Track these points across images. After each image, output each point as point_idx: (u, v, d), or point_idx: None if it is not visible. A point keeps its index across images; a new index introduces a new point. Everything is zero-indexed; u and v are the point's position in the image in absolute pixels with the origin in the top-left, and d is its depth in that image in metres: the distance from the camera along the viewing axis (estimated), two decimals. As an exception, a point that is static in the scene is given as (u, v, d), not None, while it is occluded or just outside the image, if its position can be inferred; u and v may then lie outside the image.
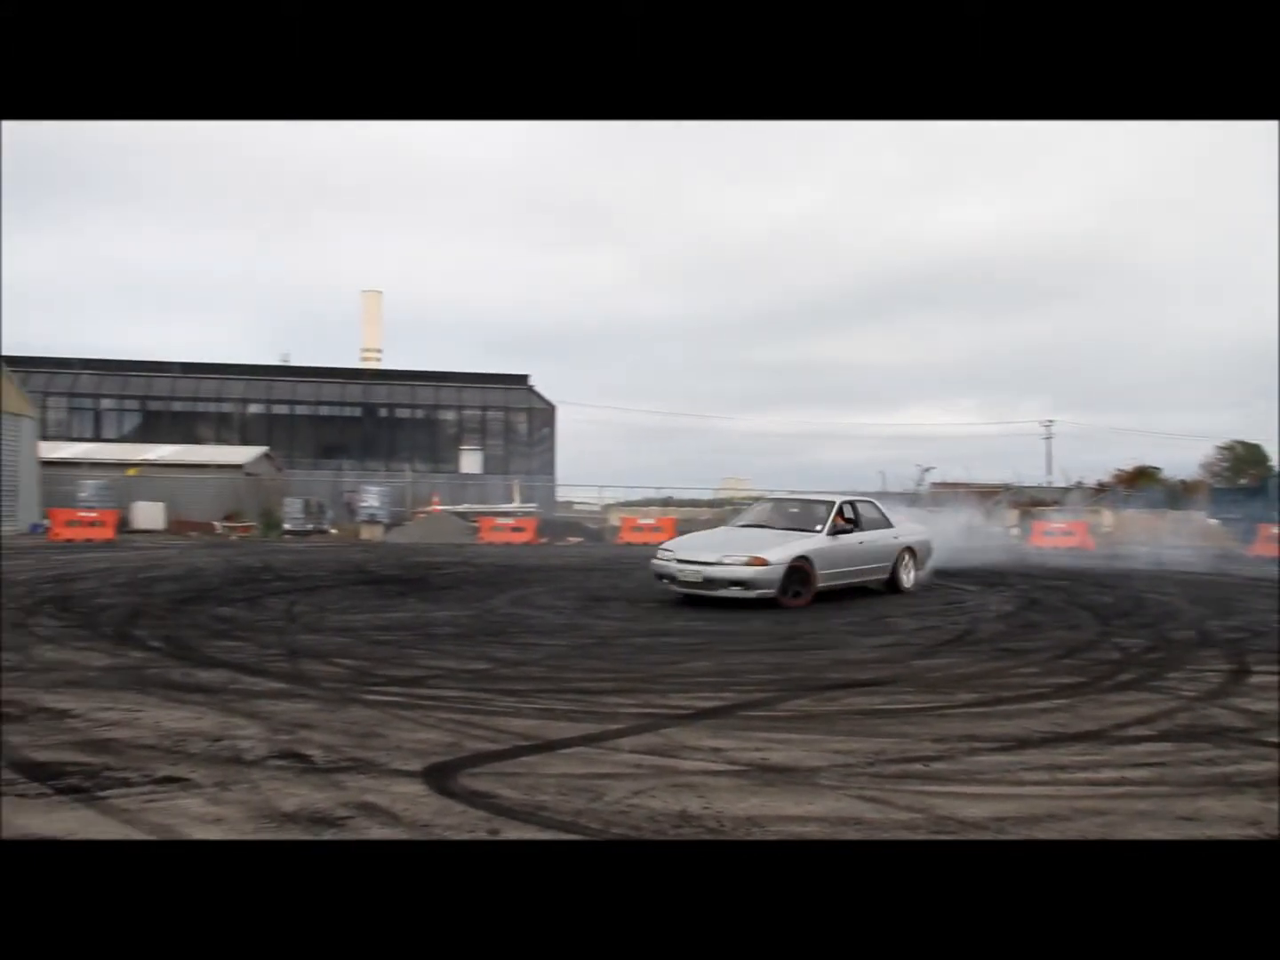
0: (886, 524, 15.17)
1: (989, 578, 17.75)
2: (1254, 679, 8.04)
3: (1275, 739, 6.00)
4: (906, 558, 15.21)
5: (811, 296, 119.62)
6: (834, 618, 12.10)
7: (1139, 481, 57.59)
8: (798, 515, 14.70)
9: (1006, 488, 46.30)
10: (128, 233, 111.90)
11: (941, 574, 17.03)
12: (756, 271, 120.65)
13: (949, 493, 45.42)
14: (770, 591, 12.82)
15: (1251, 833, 4.36)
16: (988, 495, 44.24)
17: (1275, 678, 8.04)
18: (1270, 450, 58.07)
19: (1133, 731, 6.18)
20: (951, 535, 19.61)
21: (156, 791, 4.65)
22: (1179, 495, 50.62)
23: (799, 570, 13.15)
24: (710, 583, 12.95)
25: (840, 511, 14.38)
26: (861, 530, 14.50)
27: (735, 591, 12.81)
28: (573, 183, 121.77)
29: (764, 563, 12.84)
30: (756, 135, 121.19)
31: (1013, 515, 39.54)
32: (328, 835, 4.17)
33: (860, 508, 15.00)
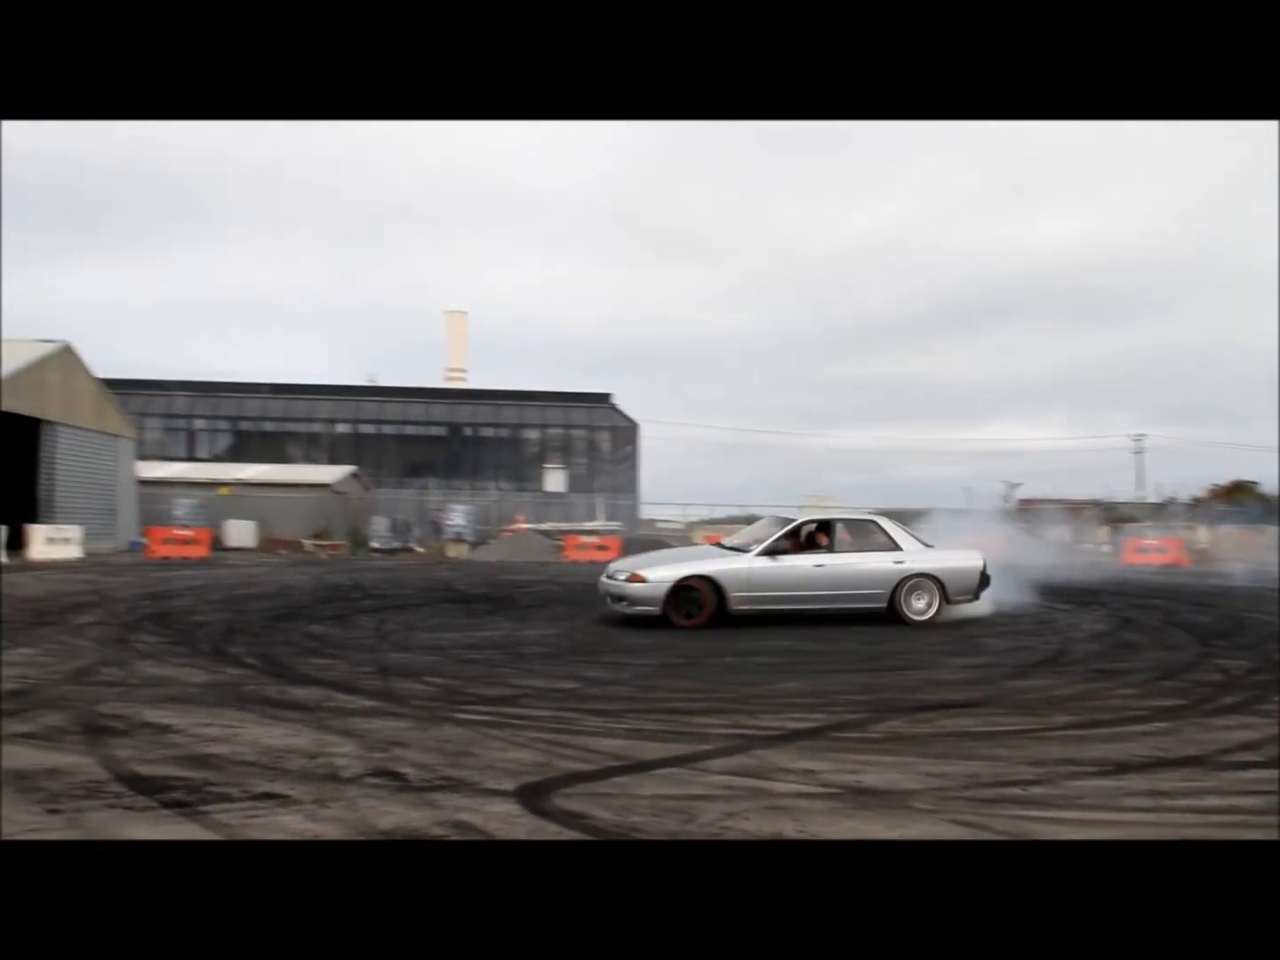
0: (892, 546, 13.58)
1: (1080, 596, 17.41)
2: (1364, 703, 7.77)
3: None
4: (920, 585, 13.44)
5: (895, 310, 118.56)
6: (922, 638, 11.95)
7: (1235, 496, 56.20)
8: (757, 533, 14.26)
9: (1096, 503, 45.40)
10: (221, 257, 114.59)
11: (1030, 593, 16.72)
12: (839, 286, 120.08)
13: (1036, 509, 44.72)
14: (652, 609, 12.67)
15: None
16: (1077, 511, 43.47)
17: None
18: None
19: (1239, 757, 6.01)
20: (1038, 553, 19.19)
21: (257, 807, 4.73)
22: (1278, 510, 49.27)
23: (688, 590, 12.73)
24: (612, 598, 13.17)
25: (795, 533, 13.55)
26: (843, 552, 13.43)
27: (623, 606, 12.93)
28: (655, 200, 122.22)
29: (642, 580, 12.79)
30: (838, 149, 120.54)
31: (1103, 531, 38.76)
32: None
33: (853, 527, 14.01)
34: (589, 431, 52.65)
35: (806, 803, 4.98)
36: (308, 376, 64.61)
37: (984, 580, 13.86)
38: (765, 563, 13.02)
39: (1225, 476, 60.68)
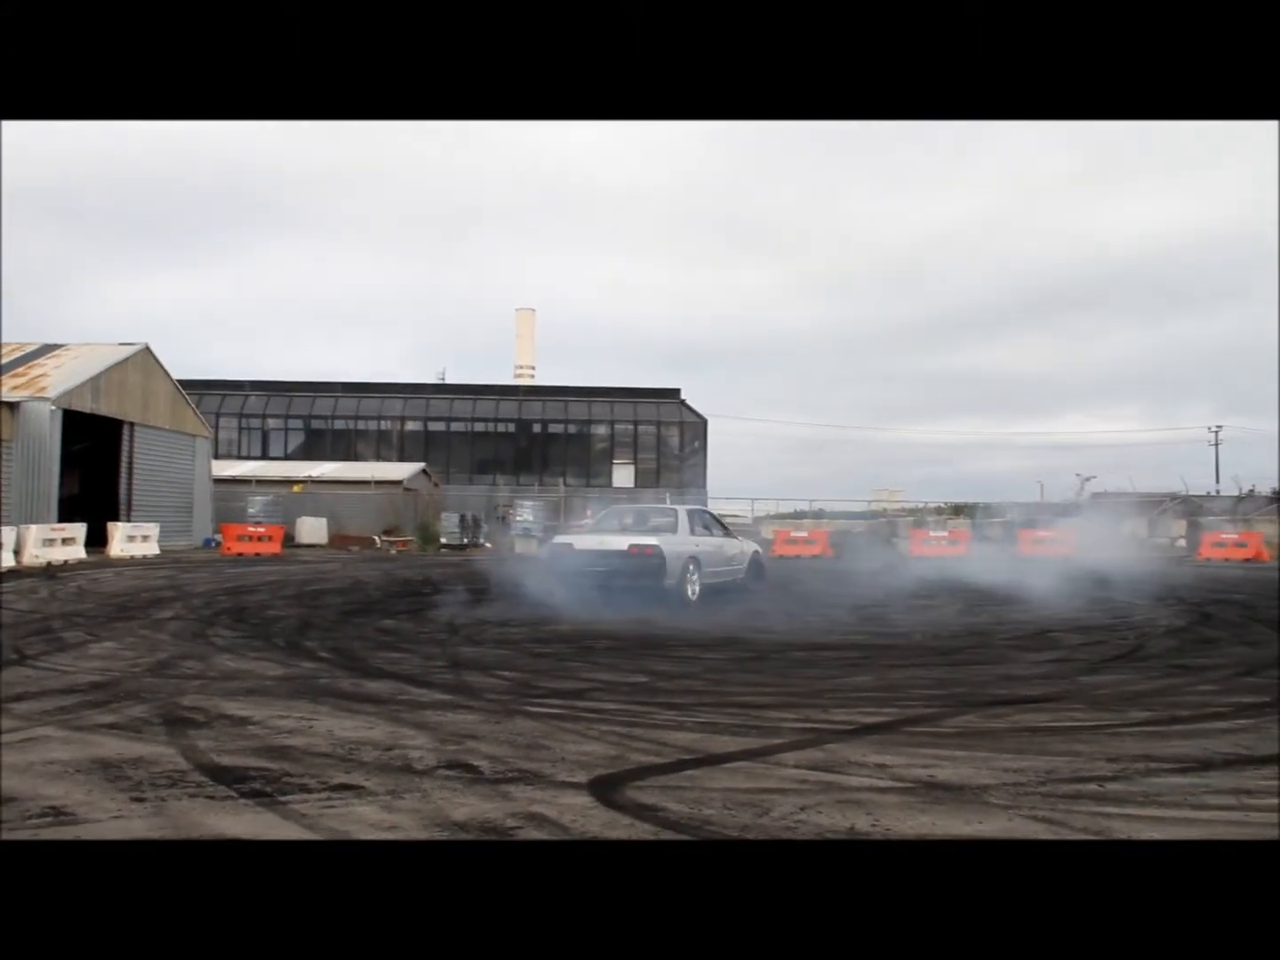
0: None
1: (1156, 591, 17.11)
2: None
3: None
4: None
5: (966, 303, 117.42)
6: (996, 633, 11.82)
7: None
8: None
9: (1172, 497, 44.56)
10: (293, 259, 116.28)
11: (1105, 586, 16.49)
12: (909, 279, 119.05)
13: (1110, 502, 44.01)
14: None
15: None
16: (1153, 505, 42.71)
17: None
18: None
19: (1324, 754, 5.86)
20: (1111, 546, 18.97)
21: (333, 798, 4.80)
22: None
23: None
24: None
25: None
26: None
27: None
28: (725, 195, 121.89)
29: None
30: (911, 140, 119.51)
31: (1180, 525, 38.03)
32: (327, 836, 4.25)
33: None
34: (657, 427, 52.64)
35: (879, 797, 4.94)
36: (378, 375, 65.57)
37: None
38: None
39: (1307, 469, 59.23)
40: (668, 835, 4.27)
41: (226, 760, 5.46)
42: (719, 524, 17.72)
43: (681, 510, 16.08)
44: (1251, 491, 51.21)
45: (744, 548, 17.36)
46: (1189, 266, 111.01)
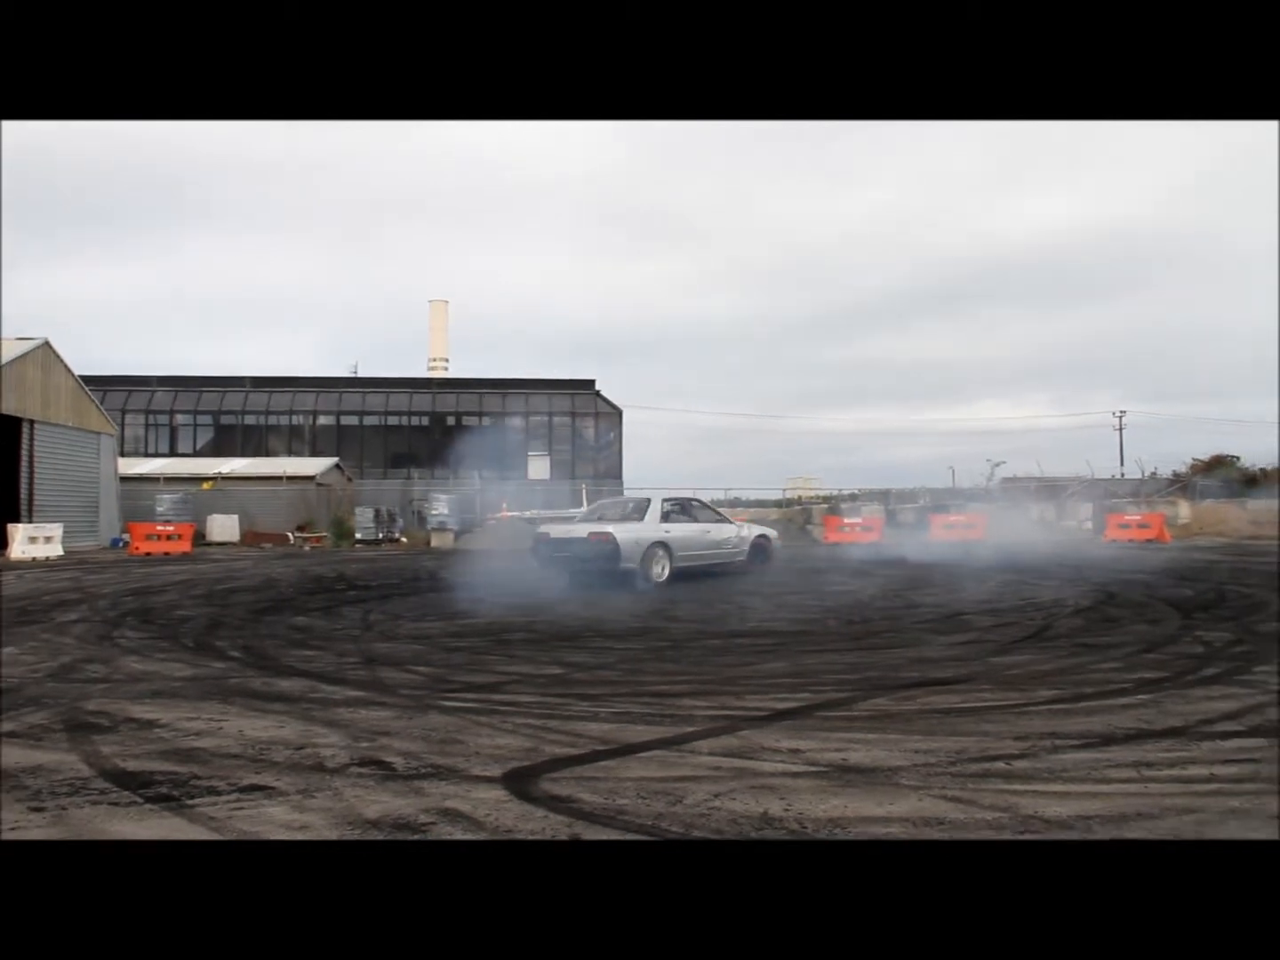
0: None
1: (1063, 572, 17.50)
2: (1345, 671, 7.83)
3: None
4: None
5: (880, 294, 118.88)
6: (907, 617, 12.00)
7: (1216, 471, 56.54)
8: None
9: (1079, 481, 45.58)
10: (199, 251, 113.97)
11: (1014, 569, 16.84)
12: (824, 271, 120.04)
13: (1020, 487, 44.93)
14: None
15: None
16: (1061, 488, 43.67)
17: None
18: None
19: (1221, 727, 6.04)
20: (1021, 530, 19.54)
21: (243, 799, 4.72)
22: (1259, 484, 49.64)
23: None
24: None
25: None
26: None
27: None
28: (640, 189, 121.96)
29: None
30: (818, 137, 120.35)
31: (1086, 509, 38.94)
32: (326, 836, 4.22)
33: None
34: (572, 418, 52.54)
35: (792, 781, 4.99)
36: (290, 369, 64.43)
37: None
38: None
39: (1206, 451, 61.07)
40: (668, 835, 4.26)
41: (132, 765, 5.34)
42: (711, 511, 19.40)
43: (656, 500, 17.59)
44: (1154, 474, 52.67)
45: (742, 533, 18.66)
46: (1093, 259, 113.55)
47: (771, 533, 19.94)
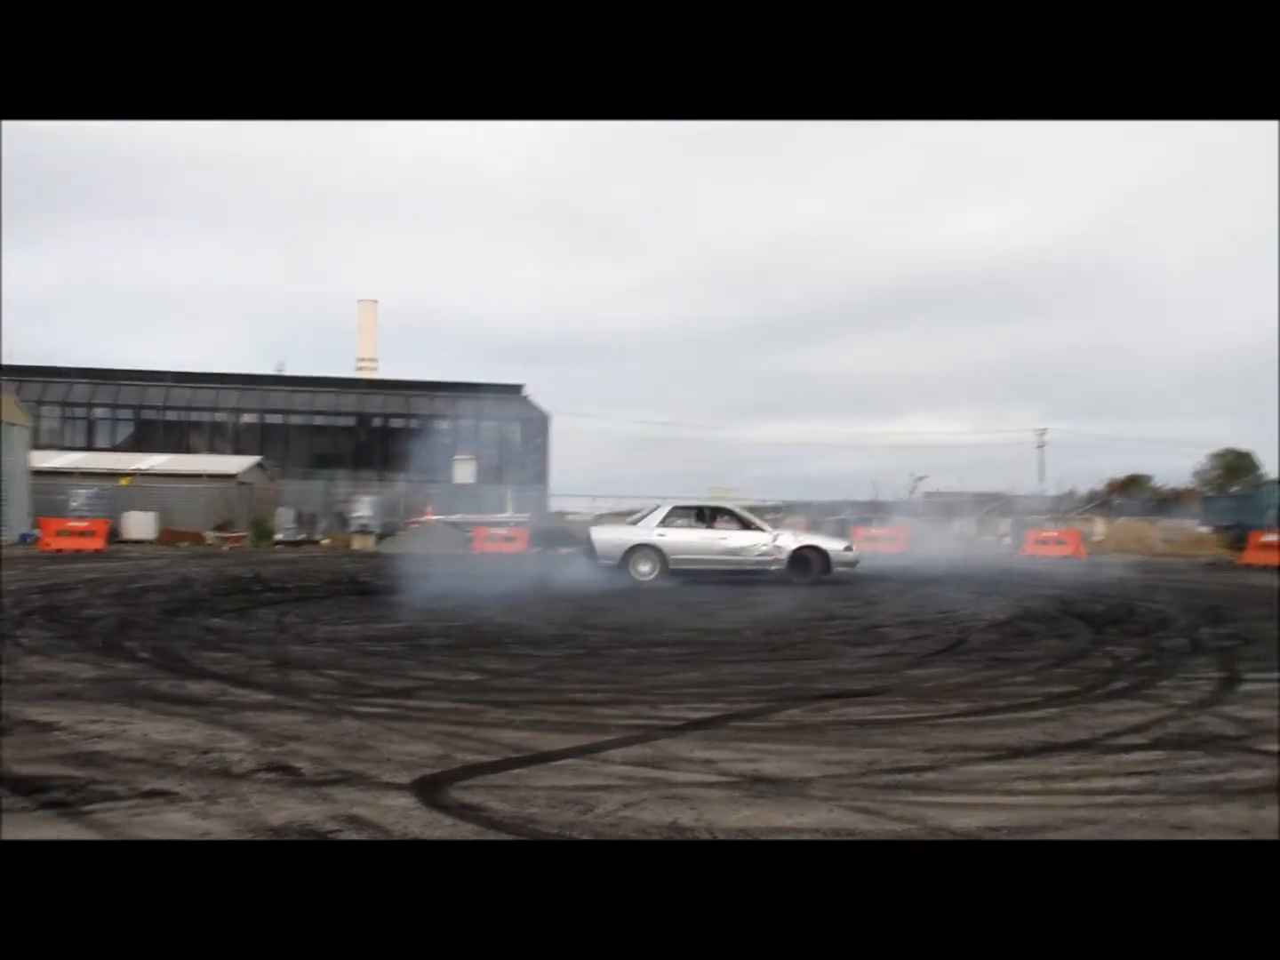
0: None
1: (981, 586, 17.76)
2: (1245, 687, 8.03)
3: (1267, 747, 5.98)
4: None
5: (809, 305, 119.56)
6: (825, 628, 12.09)
7: (1131, 489, 57.91)
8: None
9: (998, 496, 46.35)
10: (123, 242, 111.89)
11: (932, 583, 17.08)
12: (756, 280, 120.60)
13: (941, 501, 45.58)
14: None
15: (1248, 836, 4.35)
16: (981, 503, 44.36)
17: (1266, 685, 8.04)
18: (1261, 458, 58.32)
19: (1125, 740, 6.16)
20: (942, 544, 19.86)
21: (142, 805, 4.60)
22: (1170, 503, 50.91)
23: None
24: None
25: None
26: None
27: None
28: (575, 192, 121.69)
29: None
30: (758, 144, 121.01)
31: (1005, 524, 39.60)
32: (327, 836, 4.15)
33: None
34: (500, 423, 52.28)
35: (704, 791, 4.98)
36: (214, 365, 63.44)
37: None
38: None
39: (1122, 470, 62.44)
40: (652, 837, 4.24)
41: (26, 770, 5.18)
42: (740, 519, 19.86)
43: (664, 507, 19.69)
44: (1071, 491, 53.74)
45: (779, 542, 19.16)
46: (1019, 277, 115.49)
47: (832, 544, 19.89)
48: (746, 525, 19.60)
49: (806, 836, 4.33)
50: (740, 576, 18.92)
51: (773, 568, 18.79)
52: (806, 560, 18.90)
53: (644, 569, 18.62)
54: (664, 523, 19.07)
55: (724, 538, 19.04)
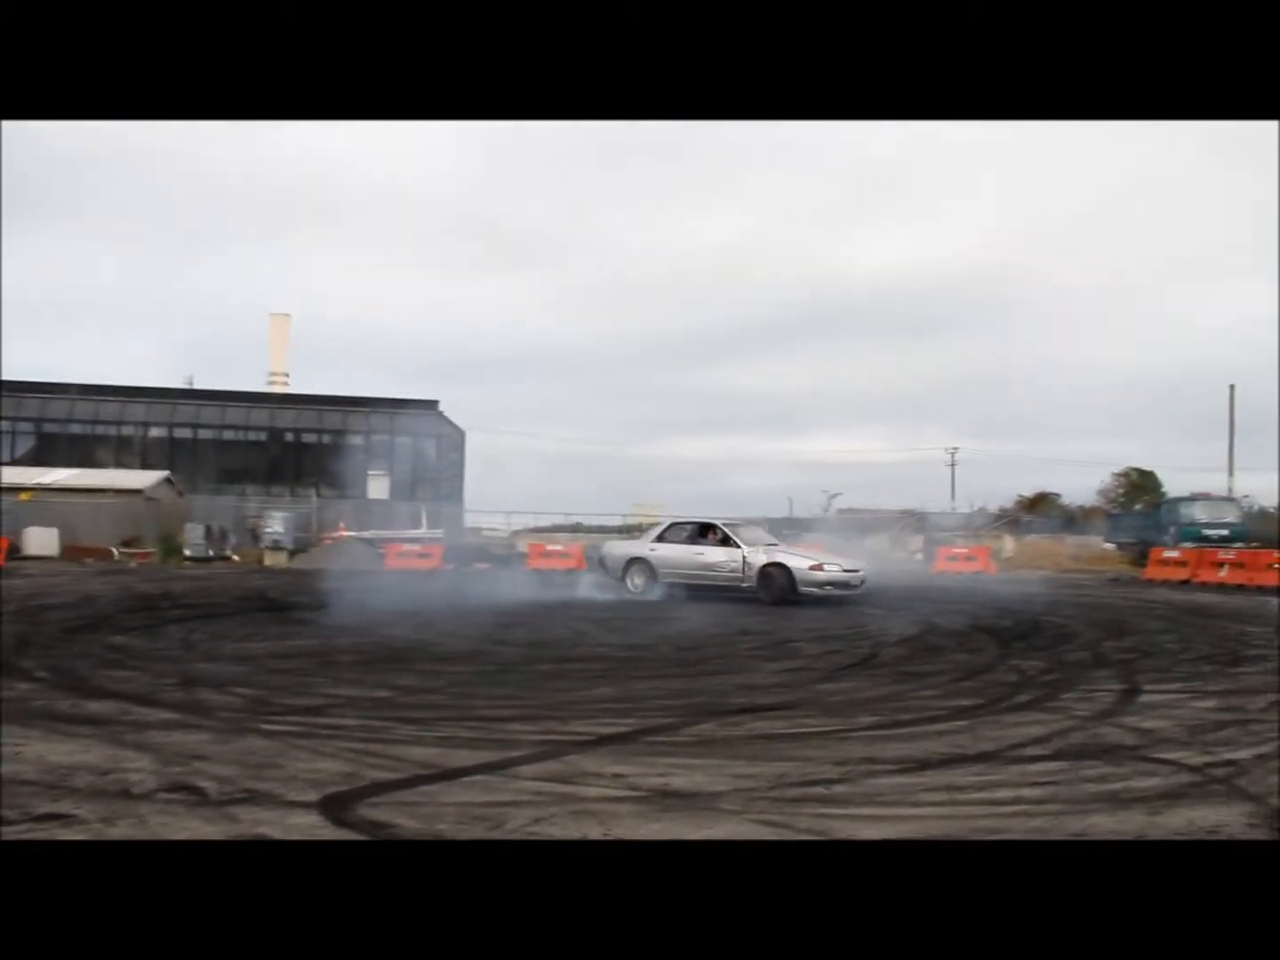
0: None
1: (892, 602, 17.98)
2: (1144, 698, 8.25)
3: (1164, 756, 6.14)
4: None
5: (723, 323, 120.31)
6: (739, 644, 12.15)
7: (1039, 507, 59.15)
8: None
9: (910, 513, 47.00)
10: (25, 249, 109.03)
11: (845, 598, 17.30)
12: (672, 296, 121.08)
13: (854, 518, 46.08)
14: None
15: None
16: (893, 520, 44.95)
17: (1164, 696, 8.28)
18: (1163, 478, 59.93)
19: (1028, 751, 6.29)
20: (854, 559, 19.94)
21: (35, 829, 4.47)
22: (1077, 520, 52.07)
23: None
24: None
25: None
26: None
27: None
28: (488, 208, 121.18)
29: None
30: (669, 165, 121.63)
31: (917, 540, 40.13)
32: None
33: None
34: (414, 439, 51.77)
35: (614, 806, 4.99)
36: (121, 377, 61.91)
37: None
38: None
39: (1030, 488, 63.78)
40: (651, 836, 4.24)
41: (-86, 793, 5.02)
42: (720, 535, 19.09)
43: (666, 522, 20.85)
44: (982, 509, 54.71)
45: (751, 558, 18.40)
46: (926, 298, 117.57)
47: (798, 561, 18.46)
48: (725, 541, 18.88)
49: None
50: (727, 593, 18.50)
51: (741, 584, 18.35)
52: (773, 578, 18.04)
53: (638, 581, 19.25)
54: (660, 538, 19.69)
55: (701, 553, 18.96)
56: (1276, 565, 22.67)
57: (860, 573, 18.55)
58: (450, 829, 4.55)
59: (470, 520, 47.81)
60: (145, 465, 47.39)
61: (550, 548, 32.12)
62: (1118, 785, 5.50)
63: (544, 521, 46.68)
